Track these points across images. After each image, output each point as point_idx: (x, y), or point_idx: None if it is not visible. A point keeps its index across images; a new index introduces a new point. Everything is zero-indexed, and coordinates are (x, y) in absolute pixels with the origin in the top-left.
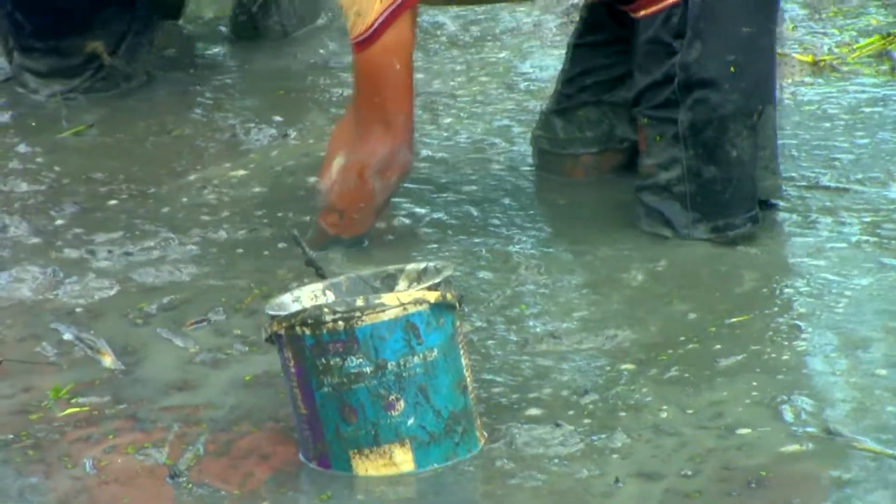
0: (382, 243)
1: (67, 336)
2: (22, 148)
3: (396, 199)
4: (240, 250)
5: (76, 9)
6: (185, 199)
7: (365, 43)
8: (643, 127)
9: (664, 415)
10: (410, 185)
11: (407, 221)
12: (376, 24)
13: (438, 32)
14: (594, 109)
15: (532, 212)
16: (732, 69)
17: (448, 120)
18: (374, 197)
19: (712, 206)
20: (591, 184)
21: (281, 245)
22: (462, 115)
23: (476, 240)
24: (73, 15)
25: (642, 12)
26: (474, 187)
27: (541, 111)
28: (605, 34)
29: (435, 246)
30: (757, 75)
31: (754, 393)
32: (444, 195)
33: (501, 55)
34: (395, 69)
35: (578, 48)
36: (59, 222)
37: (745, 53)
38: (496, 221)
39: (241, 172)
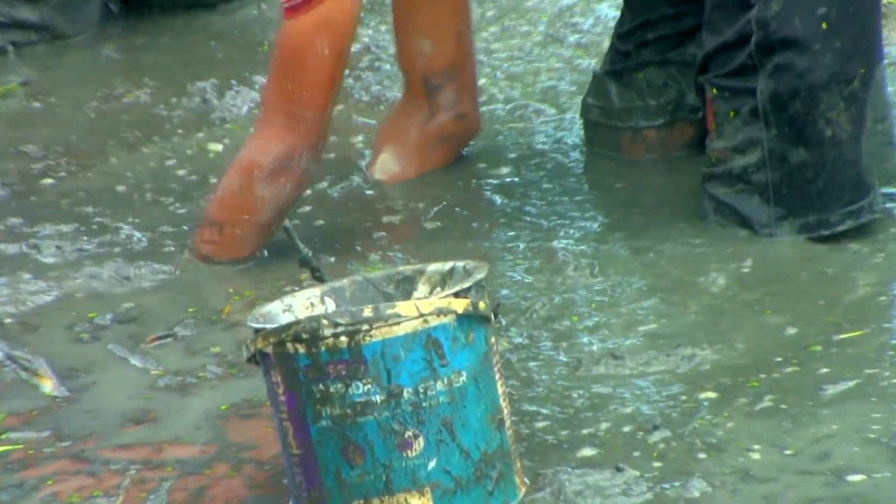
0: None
1: None
2: None
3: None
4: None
5: None
6: (143, 180)
7: (295, 10)
8: (712, 100)
9: (755, 456)
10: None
11: (407, 218)
12: None
13: None
14: (658, 71)
15: (581, 198)
16: (824, 25)
17: (480, 81)
18: (261, 209)
19: (801, 198)
20: (655, 164)
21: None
22: (498, 74)
23: (511, 233)
24: None
25: None
26: (510, 167)
27: (593, 73)
28: None
29: (461, 241)
30: (856, 31)
31: (874, 427)
32: (473, 176)
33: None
34: (322, 53)
35: None
36: None
37: (839, 4)
38: (537, 210)
39: (216, 146)
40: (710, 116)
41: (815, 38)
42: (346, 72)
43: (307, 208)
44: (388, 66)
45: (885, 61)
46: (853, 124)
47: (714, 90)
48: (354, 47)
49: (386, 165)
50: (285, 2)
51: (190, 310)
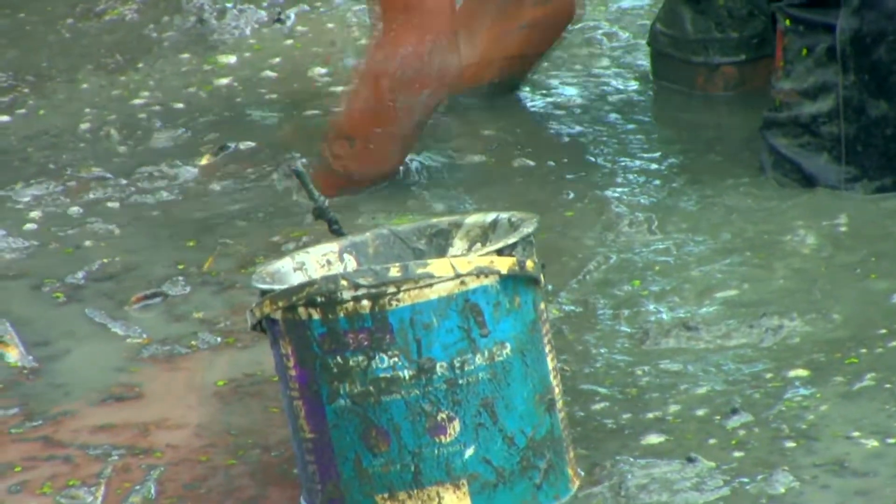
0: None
1: None
2: None
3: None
4: (214, 189)
5: None
6: (126, 111)
7: None
8: (784, 32)
9: (853, 445)
10: (470, 98)
11: (450, 156)
12: None
13: None
14: None
15: (641, 137)
16: None
17: None
18: (396, 119)
19: (878, 157)
20: (732, 101)
21: (278, 184)
22: None
23: (558, 177)
24: None
25: None
26: (564, 100)
27: None
28: None
29: (502, 188)
30: None
31: None
32: (519, 111)
33: None
34: None
35: None
36: None
37: None
38: (590, 152)
39: (213, 72)
40: (778, 51)
41: None
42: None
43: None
44: None
45: None
46: None
47: (787, 21)
48: None
49: None
50: None
51: (182, 265)
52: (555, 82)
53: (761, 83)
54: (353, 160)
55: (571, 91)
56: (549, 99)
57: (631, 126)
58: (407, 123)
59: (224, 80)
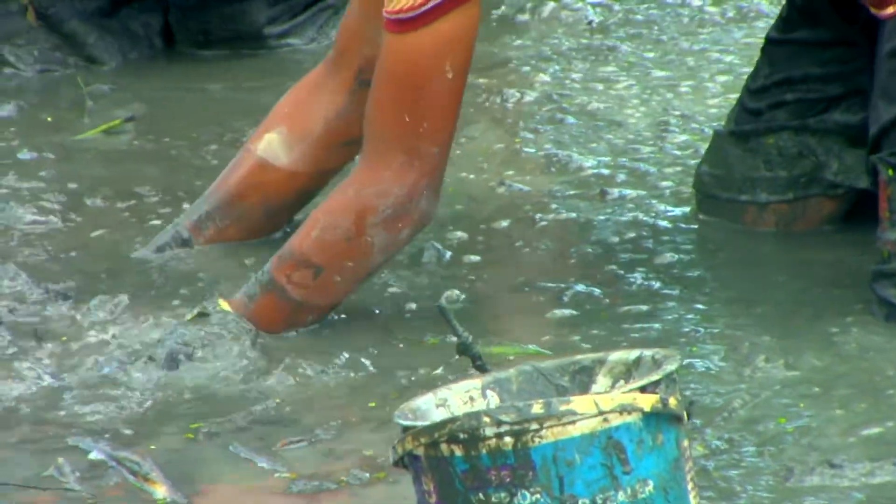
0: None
1: (97, 455)
2: (26, 154)
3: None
4: (358, 324)
5: None
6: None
7: (408, 23)
8: (888, 183)
9: None
10: (598, 235)
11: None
12: (433, 1)
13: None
14: (792, 138)
15: (751, 275)
16: None
17: (682, 138)
18: (371, 255)
19: None
20: (815, 236)
21: (416, 317)
22: (706, 130)
23: (691, 315)
24: None
25: (891, 9)
26: (697, 237)
27: (713, 133)
28: (823, 30)
29: (640, 325)
30: None
31: None
32: (653, 248)
33: None
34: (446, 77)
35: (780, 46)
36: (69, 278)
37: None
38: (724, 290)
39: None
40: (882, 202)
41: None
42: (521, 123)
43: (459, 285)
44: (571, 119)
45: None
46: None
47: (889, 171)
48: (531, 95)
49: (272, 147)
50: (393, 12)
51: (328, 403)
52: (669, 221)
53: (814, 220)
54: (317, 291)
55: (691, 230)
56: (675, 246)
57: (733, 267)
58: (380, 260)
59: None
